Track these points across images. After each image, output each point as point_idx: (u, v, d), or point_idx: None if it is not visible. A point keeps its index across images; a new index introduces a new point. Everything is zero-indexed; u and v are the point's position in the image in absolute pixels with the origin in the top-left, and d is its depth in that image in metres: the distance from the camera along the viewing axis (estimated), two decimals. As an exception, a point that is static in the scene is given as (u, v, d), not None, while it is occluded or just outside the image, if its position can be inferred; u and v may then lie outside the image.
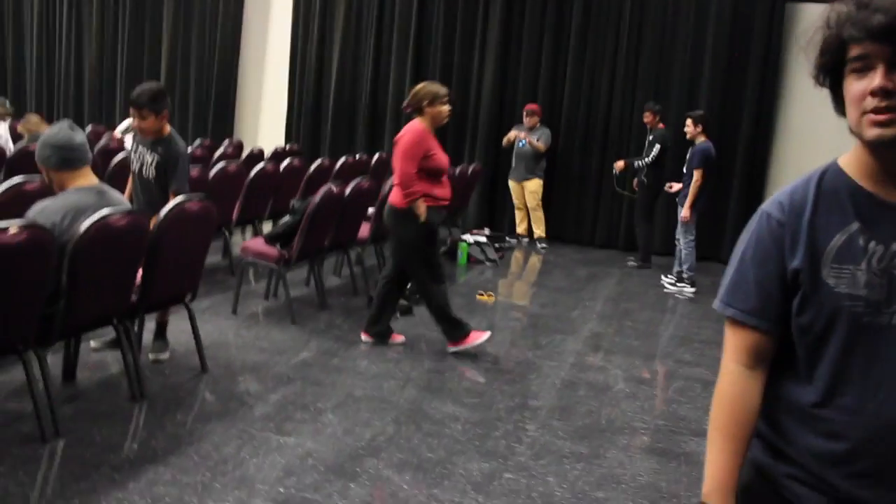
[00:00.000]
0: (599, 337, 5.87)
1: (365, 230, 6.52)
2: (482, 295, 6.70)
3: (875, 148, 1.36)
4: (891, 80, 1.29)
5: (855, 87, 1.34)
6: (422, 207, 4.89)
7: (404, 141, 4.89)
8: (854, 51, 1.33)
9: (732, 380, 1.50)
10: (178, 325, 4.73)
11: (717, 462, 1.50)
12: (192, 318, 4.43)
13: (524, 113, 9.34)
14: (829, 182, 1.44)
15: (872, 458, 1.39)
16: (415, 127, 4.95)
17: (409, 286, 5.49)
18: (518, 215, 9.61)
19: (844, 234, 1.40)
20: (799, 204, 1.45)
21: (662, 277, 7.99)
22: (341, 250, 6.40)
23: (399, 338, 5.28)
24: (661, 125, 8.42)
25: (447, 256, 8.19)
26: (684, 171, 7.65)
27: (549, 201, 9.64)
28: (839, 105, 1.42)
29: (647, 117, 8.51)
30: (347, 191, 5.91)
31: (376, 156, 9.39)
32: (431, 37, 10.39)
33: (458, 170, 8.72)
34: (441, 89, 5.04)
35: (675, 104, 9.26)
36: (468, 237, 8.44)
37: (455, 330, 5.12)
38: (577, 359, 5.30)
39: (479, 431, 3.96)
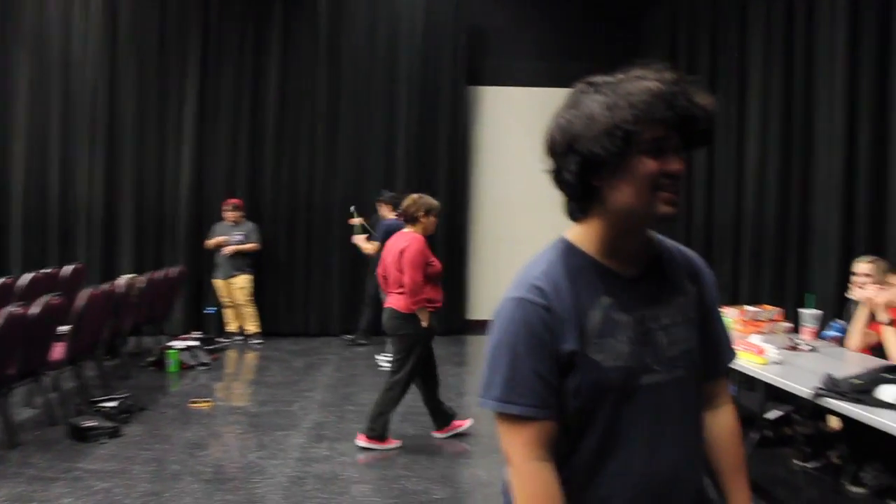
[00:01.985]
0: (322, 426, 5.84)
1: (59, 351, 5.97)
2: (196, 402, 6.39)
3: (656, 223, 1.48)
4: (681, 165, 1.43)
5: (650, 166, 1.41)
6: (426, 313, 5.24)
7: (411, 251, 5.22)
8: (653, 133, 1.40)
9: (538, 480, 1.45)
10: None
11: None
12: None
13: (226, 208, 9.22)
14: (574, 261, 1.51)
15: None
16: (416, 237, 5.34)
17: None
18: (228, 314, 9.35)
19: (600, 309, 1.47)
20: (558, 286, 1.47)
21: (377, 357, 8.17)
22: (32, 377, 5.80)
23: (465, 422, 5.65)
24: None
25: (154, 367, 7.74)
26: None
27: (258, 295, 9.52)
28: (583, 190, 1.46)
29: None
30: (34, 310, 5.41)
31: (70, 268, 8.65)
32: (125, 125, 9.76)
33: (158, 274, 8.35)
34: (436, 203, 5.51)
35: (374, 184, 9.58)
36: (176, 343, 8.05)
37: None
38: (301, 453, 5.22)
39: (204, 550, 3.74)
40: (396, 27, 9.98)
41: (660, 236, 1.62)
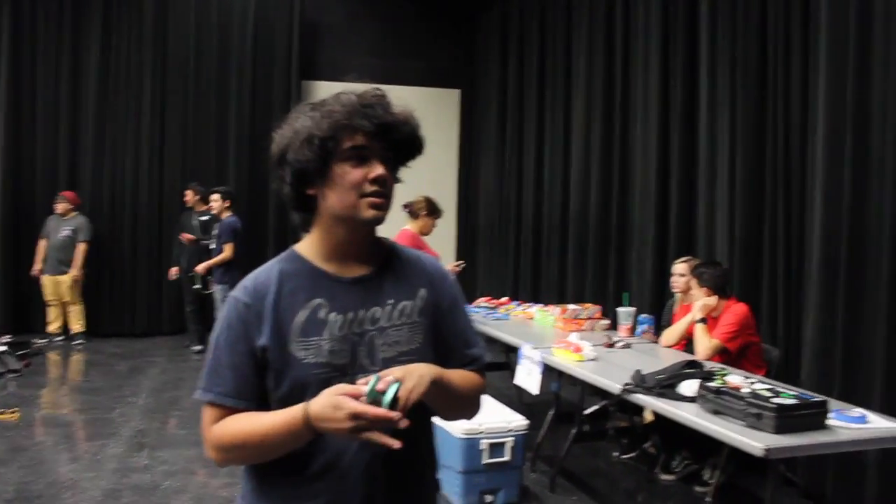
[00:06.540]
0: (144, 434, 5.58)
1: None
2: (3, 413, 5.93)
3: (365, 226, 1.57)
4: (385, 171, 1.50)
5: (354, 173, 1.52)
6: None
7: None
8: (352, 142, 1.51)
9: (225, 422, 1.55)
10: None
11: None
12: None
13: (56, 200, 8.61)
14: (290, 266, 1.61)
15: None
16: (410, 233, 5.55)
17: None
18: (52, 312, 8.71)
19: (307, 309, 1.55)
20: (263, 286, 1.57)
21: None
22: None
23: None
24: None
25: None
26: (213, 246, 7.77)
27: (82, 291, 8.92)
28: (299, 200, 1.57)
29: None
30: None
31: None
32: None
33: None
34: (440, 209, 5.81)
35: (203, 178, 9.13)
36: (-20, 349, 7.45)
37: None
38: (119, 463, 4.95)
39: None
40: (228, 18, 9.65)
41: (396, 243, 1.71)
